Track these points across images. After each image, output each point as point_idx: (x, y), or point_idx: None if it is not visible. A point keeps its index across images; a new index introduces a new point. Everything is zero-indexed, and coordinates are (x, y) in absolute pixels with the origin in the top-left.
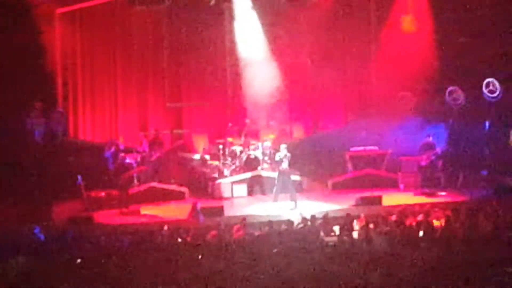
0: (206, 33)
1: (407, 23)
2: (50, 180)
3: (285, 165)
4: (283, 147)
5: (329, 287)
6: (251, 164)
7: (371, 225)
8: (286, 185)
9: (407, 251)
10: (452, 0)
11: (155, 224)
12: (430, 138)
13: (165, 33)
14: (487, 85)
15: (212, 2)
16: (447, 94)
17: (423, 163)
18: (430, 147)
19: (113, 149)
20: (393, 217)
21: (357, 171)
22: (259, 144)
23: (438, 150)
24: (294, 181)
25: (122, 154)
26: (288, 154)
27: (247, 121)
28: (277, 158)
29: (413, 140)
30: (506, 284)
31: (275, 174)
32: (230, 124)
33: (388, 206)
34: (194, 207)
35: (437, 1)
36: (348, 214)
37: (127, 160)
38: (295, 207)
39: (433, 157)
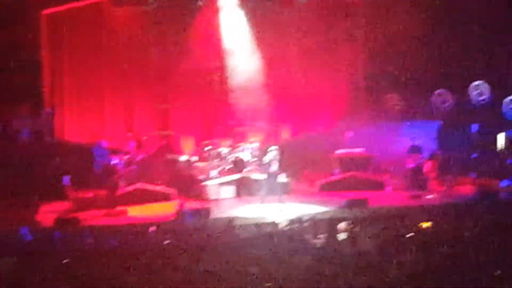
0: (193, 33)
1: (395, 24)
2: (37, 180)
3: (274, 167)
4: (272, 148)
5: None
6: (238, 165)
7: (358, 228)
8: (274, 187)
9: (394, 253)
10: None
11: (142, 225)
12: (418, 141)
13: (151, 34)
14: (476, 87)
15: (199, 3)
16: (435, 96)
17: (410, 166)
18: (416, 150)
19: (98, 149)
20: (380, 220)
21: (345, 173)
22: (247, 145)
23: (425, 153)
24: (281, 183)
25: (109, 155)
26: (276, 156)
27: (234, 123)
28: (264, 160)
29: (400, 142)
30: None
31: (262, 176)
32: (217, 126)
33: (376, 208)
34: (181, 208)
35: (425, 2)
36: (335, 216)
37: (114, 161)
38: (282, 209)
39: (420, 160)
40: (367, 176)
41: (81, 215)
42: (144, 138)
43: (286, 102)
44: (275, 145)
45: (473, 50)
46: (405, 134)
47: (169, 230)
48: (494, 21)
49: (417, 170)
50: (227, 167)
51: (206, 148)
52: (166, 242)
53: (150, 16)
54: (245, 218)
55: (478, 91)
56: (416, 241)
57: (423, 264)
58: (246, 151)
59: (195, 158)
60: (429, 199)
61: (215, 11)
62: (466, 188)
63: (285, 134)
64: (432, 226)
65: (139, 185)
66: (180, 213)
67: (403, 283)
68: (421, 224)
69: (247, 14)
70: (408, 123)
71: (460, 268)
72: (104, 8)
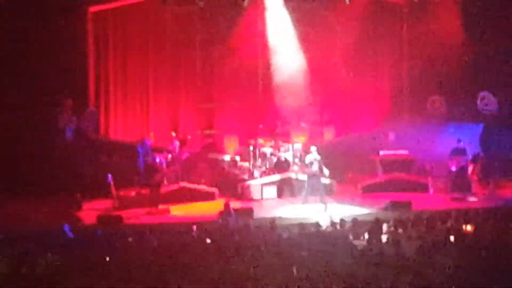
0: (239, 34)
1: (438, 26)
2: (80, 178)
3: (315, 167)
4: (313, 149)
5: None
6: (281, 166)
7: (400, 230)
8: (316, 188)
9: (436, 256)
10: (485, 6)
11: (185, 224)
12: (461, 143)
13: (197, 33)
14: None
15: (245, 2)
16: (478, 99)
17: (453, 168)
18: (461, 152)
19: (143, 146)
20: (423, 222)
21: (387, 174)
22: (290, 146)
23: (469, 155)
24: (324, 183)
25: (153, 153)
26: (318, 157)
27: (278, 123)
28: (307, 160)
29: (443, 144)
30: None
31: (305, 177)
32: (261, 126)
33: (418, 211)
34: (226, 208)
35: (470, 7)
36: (377, 218)
37: (157, 160)
38: (324, 210)
39: (463, 163)
40: (410, 178)
41: (124, 213)
42: (188, 137)
43: (329, 103)
44: (318, 145)
45: None
46: (448, 136)
47: (212, 229)
48: None
49: (460, 172)
50: (270, 167)
51: (249, 148)
52: (209, 241)
53: (196, 15)
54: (288, 219)
55: None
56: (458, 244)
57: (464, 268)
58: (289, 152)
59: (238, 157)
60: (472, 202)
61: (261, 10)
62: (509, 191)
63: (329, 135)
64: (474, 229)
65: (182, 184)
66: (223, 213)
67: (445, 286)
68: (463, 227)
69: (292, 13)
70: (452, 125)
71: (502, 273)
72: (150, 6)
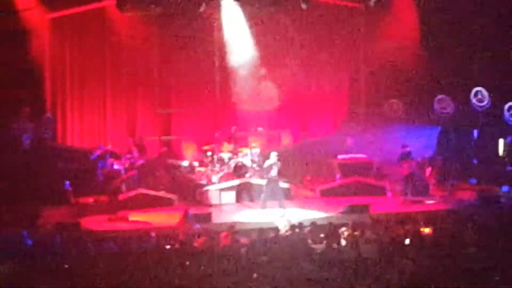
0: (196, 40)
1: (395, 31)
2: (38, 185)
3: (274, 172)
4: (273, 154)
5: None
6: (239, 171)
7: (359, 233)
8: (275, 192)
9: (395, 259)
10: (442, 10)
11: (143, 230)
12: (407, 148)
13: (155, 39)
14: (476, 94)
15: (202, 9)
16: (436, 102)
17: (404, 173)
18: (406, 156)
19: (99, 152)
20: (381, 225)
21: (346, 178)
22: (248, 151)
23: (418, 159)
24: (282, 188)
25: (110, 160)
26: (278, 161)
27: (234, 128)
28: (266, 165)
29: (401, 148)
30: None
31: (263, 181)
32: (217, 134)
33: (376, 214)
34: (185, 214)
35: (427, 10)
36: (334, 222)
37: (116, 166)
38: (283, 214)
39: (413, 166)
40: (368, 181)
41: (83, 220)
42: (146, 143)
43: (287, 108)
44: (276, 150)
45: (473, 56)
46: (405, 139)
47: (171, 235)
48: (493, 28)
49: (412, 176)
50: (229, 172)
51: (207, 153)
52: (168, 247)
53: (153, 21)
54: (247, 223)
55: (478, 97)
56: (416, 247)
57: (424, 270)
58: (248, 157)
59: (196, 163)
60: (430, 204)
61: (218, 16)
62: (467, 194)
63: (286, 139)
64: (433, 232)
65: (140, 190)
66: (182, 218)
67: None
68: (422, 229)
69: (249, 19)
70: (409, 128)
71: (461, 274)
72: (107, 13)
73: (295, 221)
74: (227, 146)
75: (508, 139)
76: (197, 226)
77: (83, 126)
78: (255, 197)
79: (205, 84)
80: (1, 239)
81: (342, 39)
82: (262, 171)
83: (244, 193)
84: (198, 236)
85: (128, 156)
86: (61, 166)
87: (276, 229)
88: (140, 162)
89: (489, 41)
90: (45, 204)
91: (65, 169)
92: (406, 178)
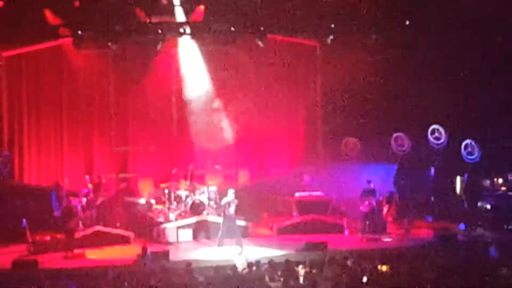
0: (152, 77)
1: (352, 68)
2: None
3: (231, 210)
4: (230, 192)
5: None
6: (196, 208)
7: (316, 270)
8: (232, 230)
9: None
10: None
11: (101, 268)
12: (372, 185)
13: (111, 77)
14: (433, 131)
15: (159, 47)
16: (392, 140)
17: (364, 210)
18: (371, 193)
19: (56, 190)
20: (339, 263)
21: (303, 216)
22: (205, 188)
23: (380, 196)
24: (239, 226)
25: (67, 198)
26: (235, 199)
27: (191, 165)
28: (223, 202)
29: (358, 185)
30: None
31: (220, 219)
32: (174, 171)
33: (334, 251)
34: (143, 251)
35: (383, 48)
36: (292, 260)
37: (73, 204)
38: (240, 252)
39: (373, 204)
40: (326, 219)
41: (40, 258)
42: (103, 180)
43: (244, 145)
44: (233, 188)
45: (430, 95)
46: (362, 177)
47: (128, 273)
48: (450, 66)
49: (376, 212)
50: (186, 210)
51: (164, 191)
52: (125, 284)
53: (110, 59)
54: (204, 261)
55: (435, 135)
56: (373, 285)
57: None
58: (205, 194)
59: (153, 200)
60: (387, 242)
61: (174, 53)
62: (424, 231)
63: (244, 177)
64: (390, 269)
65: (97, 228)
66: (139, 256)
67: None
68: (379, 267)
69: (206, 56)
70: (366, 166)
71: None
72: (64, 50)
73: (252, 259)
74: (184, 184)
75: (465, 176)
76: (150, 263)
77: (40, 163)
78: (212, 234)
79: (162, 121)
80: None
81: (298, 76)
82: (219, 209)
83: (201, 230)
84: (155, 274)
85: (85, 193)
86: (18, 204)
87: (233, 267)
88: (97, 199)
89: (447, 79)
90: (2, 241)
91: (22, 206)
92: (365, 215)
